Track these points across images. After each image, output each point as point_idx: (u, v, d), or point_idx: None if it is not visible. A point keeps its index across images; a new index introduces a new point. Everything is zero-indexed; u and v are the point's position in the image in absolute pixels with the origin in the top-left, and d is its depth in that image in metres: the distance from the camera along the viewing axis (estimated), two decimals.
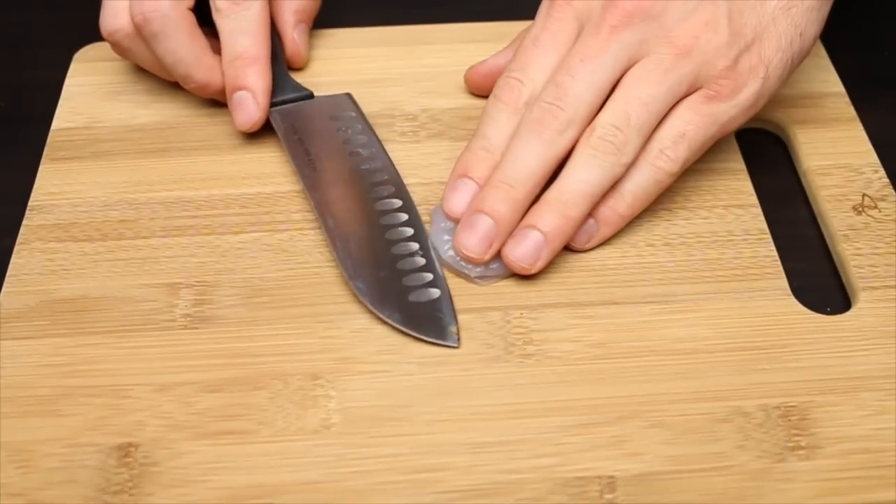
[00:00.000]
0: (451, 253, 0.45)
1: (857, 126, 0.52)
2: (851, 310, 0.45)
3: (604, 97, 0.45)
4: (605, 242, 0.47)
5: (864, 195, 0.49)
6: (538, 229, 0.44)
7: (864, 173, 0.50)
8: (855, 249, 0.46)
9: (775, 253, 0.47)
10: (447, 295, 0.44)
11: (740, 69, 0.45)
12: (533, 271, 0.45)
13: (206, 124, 0.53)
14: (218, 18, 0.51)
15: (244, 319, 0.44)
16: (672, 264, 0.46)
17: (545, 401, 0.41)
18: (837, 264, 0.47)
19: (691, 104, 0.45)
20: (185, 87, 0.52)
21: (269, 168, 0.51)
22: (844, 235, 0.47)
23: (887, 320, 0.44)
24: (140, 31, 0.50)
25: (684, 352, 0.43)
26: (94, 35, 0.58)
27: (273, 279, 0.46)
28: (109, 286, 0.45)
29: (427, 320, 0.43)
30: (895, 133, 0.53)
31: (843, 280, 0.46)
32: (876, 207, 0.48)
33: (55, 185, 0.50)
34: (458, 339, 0.43)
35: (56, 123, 0.53)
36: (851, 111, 0.53)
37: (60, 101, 0.54)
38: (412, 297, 0.44)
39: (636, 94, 0.44)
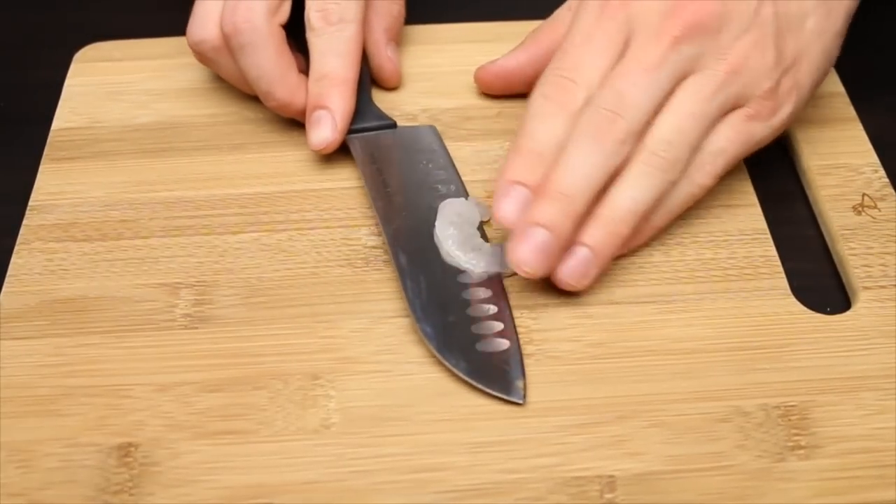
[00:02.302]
0: (455, 249, 0.45)
1: (857, 126, 0.52)
2: (851, 310, 0.45)
3: (659, 109, 0.44)
4: None
5: (863, 195, 0.49)
6: (586, 245, 0.43)
7: (863, 173, 0.50)
8: (855, 249, 0.46)
9: (775, 253, 0.46)
10: (517, 346, 0.42)
11: (780, 91, 0.45)
12: (580, 288, 0.44)
13: (206, 124, 0.53)
14: (311, 36, 0.50)
15: (244, 319, 0.44)
16: (671, 264, 0.46)
17: (545, 400, 0.41)
18: (837, 264, 0.47)
19: (732, 122, 0.45)
20: (266, 103, 0.51)
21: (269, 168, 0.51)
22: (844, 235, 0.47)
23: (887, 320, 0.44)
24: (228, 41, 0.49)
25: (684, 351, 0.43)
26: (94, 35, 0.58)
27: (272, 279, 0.46)
28: (109, 286, 0.45)
29: (493, 373, 0.41)
30: (895, 133, 0.52)
31: (843, 280, 0.46)
32: (876, 207, 0.48)
33: (55, 185, 0.50)
34: (525, 396, 0.41)
35: (56, 123, 0.53)
36: (851, 111, 0.53)
37: (60, 101, 0.54)
38: (480, 347, 0.42)
39: (689, 109, 0.44)
